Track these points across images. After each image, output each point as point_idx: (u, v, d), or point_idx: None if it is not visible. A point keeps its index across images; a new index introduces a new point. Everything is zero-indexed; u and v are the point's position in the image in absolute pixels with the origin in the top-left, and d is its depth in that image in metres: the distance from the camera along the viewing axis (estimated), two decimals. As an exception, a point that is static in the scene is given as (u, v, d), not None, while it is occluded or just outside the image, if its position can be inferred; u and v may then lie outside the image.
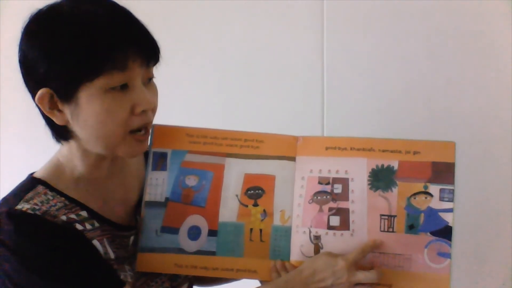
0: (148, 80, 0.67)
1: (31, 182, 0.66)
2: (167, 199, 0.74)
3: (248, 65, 1.11)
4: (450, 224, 0.69)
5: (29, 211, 0.61)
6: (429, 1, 1.02)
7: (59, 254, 0.61)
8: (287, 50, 1.09)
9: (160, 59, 0.67)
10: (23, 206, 0.62)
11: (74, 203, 0.66)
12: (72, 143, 0.67)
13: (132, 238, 0.72)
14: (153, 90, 0.68)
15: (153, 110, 0.68)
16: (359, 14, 1.06)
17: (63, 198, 0.65)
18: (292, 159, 0.75)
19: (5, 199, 0.65)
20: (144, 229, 0.73)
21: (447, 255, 0.68)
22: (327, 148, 0.74)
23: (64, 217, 0.63)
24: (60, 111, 0.63)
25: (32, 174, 0.69)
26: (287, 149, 0.75)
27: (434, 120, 1.04)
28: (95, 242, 0.65)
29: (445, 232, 0.69)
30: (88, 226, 0.66)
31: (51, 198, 0.65)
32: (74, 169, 0.68)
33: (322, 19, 1.07)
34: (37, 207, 0.62)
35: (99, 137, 0.64)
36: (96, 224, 0.67)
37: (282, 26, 1.09)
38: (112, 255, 0.67)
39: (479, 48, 1.02)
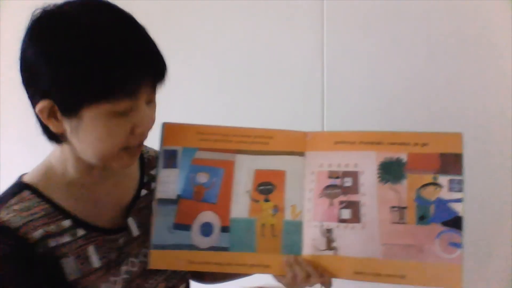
0: (149, 102, 0.65)
1: (19, 187, 0.66)
2: (178, 196, 0.75)
3: (248, 65, 1.12)
4: (460, 214, 0.70)
5: (5, 224, 0.61)
6: (429, 1, 1.04)
7: (18, 274, 0.61)
8: (287, 50, 1.10)
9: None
10: (2, 214, 0.62)
11: (58, 211, 0.66)
12: (65, 147, 0.66)
13: (121, 239, 0.72)
14: (153, 107, 0.67)
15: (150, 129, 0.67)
16: (359, 14, 1.07)
17: (48, 205, 0.65)
18: (302, 154, 0.76)
19: None
20: (156, 226, 0.73)
21: (459, 245, 0.69)
22: (336, 143, 0.75)
23: (40, 231, 0.63)
24: (58, 120, 0.62)
25: (23, 175, 0.68)
26: (296, 144, 0.76)
27: (433, 119, 1.06)
28: (65, 260, 0.64)
29: (455, 222, 0.70)
30: (66, 239, 0.65)
31: (35, 205, 0.64)
32: (65, 173, 0.68)
33: (322, 19, 1.08)
34: (14, 219, 0.62)
35: (95, 152, 0.63)
36: (81, 233, 0.67)
37: (282, 26, 1.10)
38: (96, 264, 0.67)
39: (479, 48, 1.03)
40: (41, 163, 0.70)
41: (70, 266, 0.65)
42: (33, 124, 1.18)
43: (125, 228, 0.73)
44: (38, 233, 0.63)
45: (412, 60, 1.06)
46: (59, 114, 0.61)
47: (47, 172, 0.68)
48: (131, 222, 0.74)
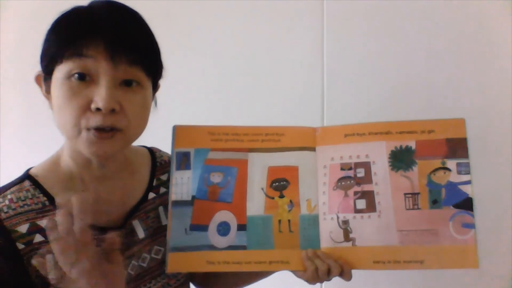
0: (127, 83, 0.63)
1: (22, 176, 0.67)
2: (193, 197, 0.74)
3: (248, 65, 1.12)
4: (470, 195, 0.72)
5: None
6: (429, 1, 1.05)
7: None
8: (287, 50, 1.10)
9: (142, 61, 0.63)
10: None
11: (54, 206, 0.65)
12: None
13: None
14: (130, 95, 0.63)
15: (127, 115, 0.63)
16: (359, 14, 1.08)
17: (45, 199, 0.65)
18: (313, 149, 0.77)
19: None
20: (172, 229, 0.72)
21: (471, 226, 0.72)
22: (346, 136, 0.77)
23: (26, 225, 0.63)
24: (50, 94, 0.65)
25: (31, 167, 0.69)
26: (307, 140, 0.78)
27: (433, 118, 1.07)
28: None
29: (466, 204, 0.72)
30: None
31: (31, 196, 0.65)
32: (67, 166, 0.68)
33: (322, 19, 1.09)
34: (5, 209, 0.63)
35: (59, 125, 0.64)
36: None
37: (282, 26, 1.10)
38: None
39: (479, 48, 1.04)
40: (51, 156, 0.70)
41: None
42: (33, 124, 1.16)
43: (120, 227, 0.71)
44: (23, 227, 0.63)
45: (412, 60, 1.07)
46: (47, 85, 0.64)
47: (53, 164, 0.69)
48: (136, 225, 0.73)
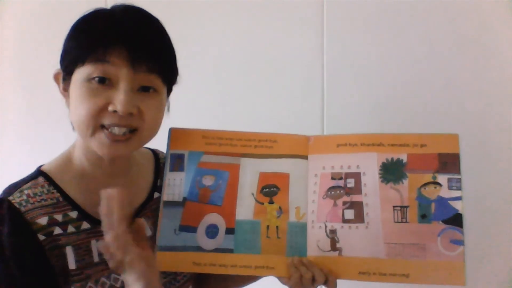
0: (144, 89, 0.66)
1: (36, 173, 0.69)
2: (184, 198, 0.76)
3: (248, 65, 1.12)
4: (460, 212, 0.72)
5: (16, 205, 0.64)
6: (429, 1, 1.04)
7: (17, 252, 0.63)
8: (287, 50, 1.10)
9: (162, 70, 0.66)
10: (15, 197, 0.65)
11: (67, 201, 0.68)
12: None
13: None
14: (147, 100, 0.66)
15: (143, 118, 0.66)
16: (359, 14, 1.07)
17: (58, 195, 0.68)
18: (305, 157, 0.78)
19: (9, 185, 0.68)
20: (162, 228, 0.74)
21: (460, 242, 0.71)
22: (338, 145, 0.77)
23: (45, 218, 0.65)
24: (67, 93, 0.67)
25: (43, 165, 0.72)
26: (299, 148, 0.79)
27: (433, 120, 1.05)
28: (68, 250, 0.66)
29: (456, 220, 0.71)
30: (70, 229, 0.67)
31: (46, 192, 0.67)
32: (80, 164, 0.71)
33: (322, 19, 1.08)
34: (24, 203, 0.65)
35: (74, 123, 0.66)
36: (85, 226, 0.68)
37: (282, 26, 1.10)
38: (96, 258, 0.68)
39: (479, 49, 1.03)
40: (62, 153, 0.73)
41: (73, 255, 0.66)
42: (33, 124, 1.18)
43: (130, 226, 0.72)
44: (43, 220, 0.65)
45: (412, 61, 1.06)
46: (66, 84, 0.67)
47: (65, 161, 0.71)
48: (144, 223, 0.75)
